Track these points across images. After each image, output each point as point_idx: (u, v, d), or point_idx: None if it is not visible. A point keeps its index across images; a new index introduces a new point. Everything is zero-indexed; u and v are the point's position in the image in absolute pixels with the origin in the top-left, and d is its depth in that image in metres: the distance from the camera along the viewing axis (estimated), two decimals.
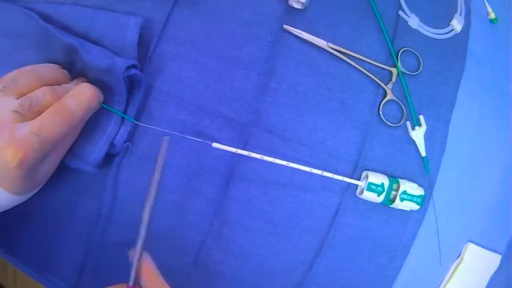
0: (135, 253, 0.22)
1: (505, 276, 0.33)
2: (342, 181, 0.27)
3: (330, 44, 0.27)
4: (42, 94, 0.22)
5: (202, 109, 0.26)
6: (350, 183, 0.27)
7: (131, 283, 0.21)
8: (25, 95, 0.21)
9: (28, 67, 0.23)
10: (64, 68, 0.26)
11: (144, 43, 0.26)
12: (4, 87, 0.21)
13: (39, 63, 0.25)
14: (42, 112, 0.21)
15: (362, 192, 0.27)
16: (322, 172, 0.26)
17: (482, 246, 0.32)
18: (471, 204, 0.32)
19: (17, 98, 0.21)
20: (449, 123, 0.30)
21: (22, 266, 0.29)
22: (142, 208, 0.22)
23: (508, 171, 0.33)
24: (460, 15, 0.32)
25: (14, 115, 0.20)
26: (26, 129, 0.20)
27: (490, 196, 0.33)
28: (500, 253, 0.33)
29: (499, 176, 0.33)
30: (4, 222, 0.27)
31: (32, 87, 0.22)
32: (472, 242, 0.32)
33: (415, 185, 0.28)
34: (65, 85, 0.24)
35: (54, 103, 0.21)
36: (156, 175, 0.22)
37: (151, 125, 0.25)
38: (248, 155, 0.25)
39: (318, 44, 0.27)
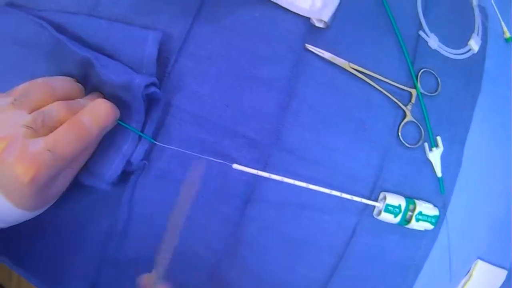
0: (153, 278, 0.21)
1: None
2: (360, 202, 0.27)
3: (351, 64, 0.27)
4: (57, 109, 0.21)
5: (221, 128, 0.26)
6: (367, 204, 0.27)
7: None
8: (37, 109, 0.21)
9: (40, 80, 0.22)
10: (78, 82, 0.25)
11: (162, 59, 0.25)
12: (15, 100, 0.20)
13: (51, 75, 0.24)
14: (55, 128, 0.20)
15: (379, 213, 0.27)
16: (341, 194, 0.26)
17: (490, 262, 0.33)
18: (481, 222, 0.32)
19: (29, 112, 0.20)
20: (464, 144, 0.30)
21: (31, 278, 0.28)
22: (165, 235, 0.21)
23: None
24: (478, 35, 0.32)
25: (26, 130, 0.19)
26: (40, 145, 0.19)
27: (499, 214, 0.33)
28: (506, 268, 0.34)
29: (507, 193, 0.33)
30: (15, 234, 0.27)
31: (45, 101, 0.21)
32: (481, 259, 0.33)
33: (430, 206, 0.29)
34: (80, 100, 0.23)
35: (69, 119, 0.21)
36: (186, 199, 0.22)
37: (170, 144, 0.25)
38: (269, 177, 0.25)
39: (339, 64, 0.27)
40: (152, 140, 0.25)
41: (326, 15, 0.26)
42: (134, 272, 0.26)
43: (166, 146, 0.25)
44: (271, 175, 0.25)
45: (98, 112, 0.22)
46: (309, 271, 0.27)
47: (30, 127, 0.19)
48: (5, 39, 0.25)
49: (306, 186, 0.25)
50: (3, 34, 0.26)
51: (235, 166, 0.25)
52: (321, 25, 0.26)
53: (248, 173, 0.25)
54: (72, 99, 0.23)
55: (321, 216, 0.27)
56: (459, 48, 0.31)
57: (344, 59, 0.27)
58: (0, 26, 0.26)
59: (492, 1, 0.34)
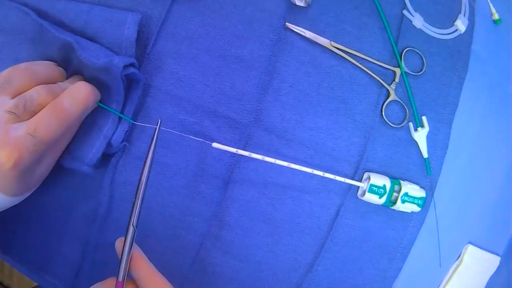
0: (123, 244, 0.21)
1: (504, 277, 0.33)
2: (343, 182, 0.27)
3: (333, 43, 0.26)
4: (37, 93, 0.21)
5: (201, 108, 0.26)
6: (351, 185, 0.27)
7: (120, 279, 0.21)
8: (19, 93, 0.21)
9: (22, 65, 0.22)
10: (59, 66, 0.25)
11: (142, 40, 0.25)
12: None
13: (34, 60, 0.24)
14: (37, 112, 0.20)
15: (363, 193, 0.27)
16: (323, 174, 0.26)
17: (482, 248, 0.32)
18: (471, 205, 0.32)
19: (12, 97, 0.20)
20: (451, 124, 0.29)
21: (18, 265, 0.28)
22: (135, 193, 0.21)
23: (509, 173, 0.33)
24: (464, 15, 0.31)
25: (9, 115, 0.19)
26: (21, 130, 0.19)
27: (490, 198, 0.33)
28: (499, 255, 0.33)
29: (499, 177, 0.33)
30: (0, 222, 0.27)
31: (27, 85, 0.21)
32: (471, 243, 0.32)
33: (416, 187, 0.28)
34: (61, 83, 0.23)
35: (50, 103, 0.21)
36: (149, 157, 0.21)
37: (150, 125, 0.25)
38: (249, 156, 0.25)
39: (321, 43, 0.26)
40: (131, 121, 0.25)
41: None
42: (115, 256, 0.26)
43: (145, 125, 0.25)
44: (251, 153, 0.25)
45: (78, 95, 0.22)
46: (293, 253, 0.27)
47: (13, 112, 0.20)
48: None
49: (288, 165, 0.25)
50: None
51: (215, 144, 0.24)
52: (302, 3, 0.26)
53: (228, 153, 0.25)
54: (54, 83, 0.23)
55: (304, 197, 0.27)
56: (444, 28, 0.30)
57: (326, 38, 0.26)
58: None
59: None
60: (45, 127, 0.20)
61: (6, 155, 0.19)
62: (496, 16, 0.33)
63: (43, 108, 0.21)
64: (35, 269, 0.28)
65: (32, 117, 0.20)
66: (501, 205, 0.33)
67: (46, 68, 0.23)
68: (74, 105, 0.21)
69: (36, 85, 0.21)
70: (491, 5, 0.33)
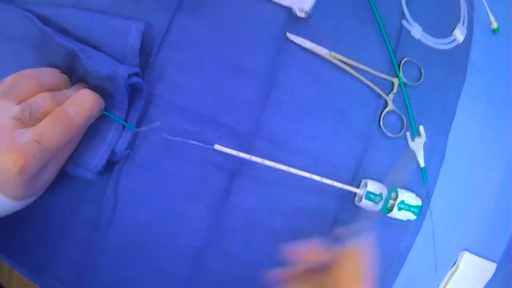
0: None
1: (499, 284, 0.34)
2: (341, 188, 0.27)
3: (333, 53, 0.27)
4: (43, 100, 0.21)
5: (203, 118, 0.26)
6: (349, 191, 0.28)
7: None
8: (24, 100, 0.21)
9: (27, 71, 0.23)
10: (64, 73, 0.25)
11: (145, 49, 0.26)
12: (4, 92, 0.21)
13: (39, 66, 0.25)
14: (42, 119, 0.21)
15: (360, 200, 0.28)
16: (321, 179, 0.26)
17: (478, 255, 0.33)
18: (467, 213, 0.32)
19: (17, 104, 0.21)
20: (448, 134, 0.30)
21: (20, 268, 0.29)
22: None
23: (506, 180, 0.33)
24: (463, 25, 0.31)
25: (14, 121, 0.20)
26: (27, 136, 0.20)
27: (487, 205, 0.33)
28: (495, 262, 0.34)
29: (496, 185, 0.33)
30: (1, 224, 0.27)
31: (32, 92, 0.22)
32: (467, 250, 0.33)
33: (413, 195, 0.29)
34: (65, 90, 0.24)
35: (55, 110, 0.21)
36: None
37: (153, 134, 0.25)
38: (249, 159, 0.25)
39: (320, 53, 0.27)
40: (134, 129, 0.25)
41: (308, 5, 0.26)
42: (121, 259, 0.27)
43: (146, 128, 0.25)
44: (252, 156, 0.25)
45: (82, 103, 0.22)
46: None
47: (19, 118, 0.20)
48: None
49: (287, 169, 0.26)
50: None
51: (217, 146, 0.25)
52: (302, 14, 0.26)
53: (229, 161, 0.26)
54: (58, 90, 0.23)
55: (303, 204, 0.27)
56: (443, 38, 0.31)
57: (325, 48, 0.27)
58: None
59: None
60: (51, 134, 0.20)
61: (13, 160, 0.19)
62: (495, 25, 0.34)
63: (47, 115, 0.21)
64: (37, 272, 0.29)
65: (37, 123, 0.20)
66: (498, 212, 0.34)
67: (51, 75, 0.24)
68: (78, 113, 0.22)
69: (40, 92, 0.22)
70: (490, 13, 0.34)
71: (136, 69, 0.24)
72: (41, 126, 0.20)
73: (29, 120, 0.20)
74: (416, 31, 0.29)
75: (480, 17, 0.33)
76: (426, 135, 0.29)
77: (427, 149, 0.29)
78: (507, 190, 0.33)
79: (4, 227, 0.28)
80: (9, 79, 0.22)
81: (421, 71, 0.29)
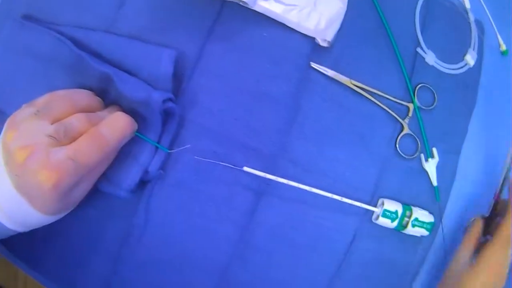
0: None
1: None
2: (359, 207, 0.29)
3: (353, 81, 0.29)
4: (77, 120, 0.22)
5: (232, 141, 0.28)
6: (367, 210, 0.29)
7: None
8: (58, 119, 0.22)
9: (62, 92, 0.23)
10: (97, 95, 0.26)
11: (176, 75, 0.27)
12: (38, 111, 0.21)
13: (70, 87, 0.25)
14: (75, 139, 0.21)
15: (377, 218, 0.29)
16: (341, 198, 0.28)
17: None
18: None
19: (51, 123, 0.21)
20: (459, 154, 0.32)
21: (46, 281, 0.30)
22: None
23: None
24: (474, 49, 0.33)
25: (49, 139, 0.20)
26: (62, 153, 0.20)
27: None
28: None
29: None
30: (30, 238, 0.28)
31: (66, 112, 0.22)
32: None
33: (426, 212, 0.30)
34: (99, 112, 0.24)
35: (89, 130, 0.22)
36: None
37: (184, 156, 0.27)
38: (275, 180, 0.27)
39: (342, 81, 0.29)
40: (167, 150, 0.26)
41: (330, 35, 0.28)
42: (149, 273, 0.28)
43: (178, 149, 0.26)
44: (278, 178, 0.27)
45: (116, 124, 0.23)
46: (312, 273, 0.29)
47: (53, 137, 0.21)
48: (24, 51, 0.27)
49: (309, 190, 0.27)
50: (22, 47, 0.27)
51: (245, 168, 0.27)
52: (325, 44, 0.28)
53: (256, 182, 0.27)
54: (92, 111, 0.24)
55: (324, 222, 0.29)
56: (455, 63, 0.32)
57: (346, 76, 0.29)
58: (19, 39, 0.27)
59: (489, 15, 0.35)
60: (85, 153, 0.21)
61: (47, 176, 0.19)
62: (503, 48, 0.35)
63: (81, 135, 0.22)
64: (63, 285, 0.29)
65: (71, 142, 0.21)
66: None
67: (85, 96, 0.25)
68: (112, 134, 0.22)
69: (75, 113, 0.22)
70: (499, 36, 0.36)
71: (170, 95, 0.26)
72: (76, 144, 0.21)
73: (63, 139, 0.21)
74: (430, 57, 0.31)
75: (489, 40, 0.35)
76: (438, 156, 0.31)
77: (439, 169, 0.31)
78: None
79: (34, 240, 0.28)
80: (43, 99, 0.22)
81: (434, 96, 0.31)
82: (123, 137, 0.23)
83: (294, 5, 0.27)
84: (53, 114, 0.22)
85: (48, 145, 0.20)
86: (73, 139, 0.21)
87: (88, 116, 0.23)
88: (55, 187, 0.20)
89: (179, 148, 0.27)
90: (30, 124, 0.21)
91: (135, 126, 0.25)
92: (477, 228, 0.30)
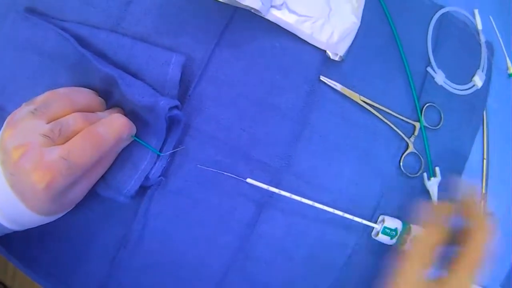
0: None
1: None
2: (360, 223, 0.29)
3: (362, 97, 0.28)
4: (73, 120, 0.21)
5: (237, 151, 0.27)
6: (367, 225, 0.29)
7: None
8: (56, 118, 0.21)
9: (62, 90, 0.23)
10: (100, 96, 0.25)
11: (183, 81, 0.26)
12: (36, 109, 0.21)
13: (73, 86, 0.25)
14: (71, 138, 0.21)
15: (377, 234, 0.29)
16: (343, 214, 0.28)
17: (480, 285, 0.35)
18: None
19: (48, 122, 0.21)
20: (462, 174, 0.32)
21: (41, 281, 0.29)
22: None
23: (507, 214, 0.35)
24: (482, 71, 0.33)
25: (43, 139, 0.20)
26: (55, 153, 0.20)
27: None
28: None
29: (500, 218, 0.35)
30: (26, 237, 0.28)
31: (65, 112, 0.22)
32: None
33: None
34: (99, 113, 0.24)
35: (85, 129, 0.21)
36: None
37: (187, 164, 0.26)
38: (278, 193, 0.27)
39: (350, 96, 0.28)
40: (159, 153, 0.25)
41: (342, 49, 0.27)
42: (146, 277, 0.28)
43: (171, 151, 0.26)
44: (281, 191, 0.27)
45: (114, 124, 0.22)
46: (310, 286, 0.30)
47: (47, 136, 0.20)
48: (26, 46, 0.26)
49: (312, 204, 0.27)
50: (25, 41, 0.26)
51: (249, 180, 0.26)
52: (336, 58, 0.28)
53: (259, 194, 0.27)
54: (92, 112, 0.23)
55: (324, 236, 0.29)
56: (463, 84, 0.32)
57: (355, 92, 0.28)
58: (21, 33, 0.26)
59: (499, 37, 0.35)
60: (79, 152, 0.20)
61: (39, 177, 0.19)
62: (511, 70, 0.35)
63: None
64: (58, 285, 0.29)
65: (66, 142, 0.21)
66: (499, 243, 0.36)
67: (86, 95, 0.24)
68: (108, 133, 0.22)
69: (73, 112, 0.22)
70: (508, 59, 0.36)
71: (177, 102, 0.25)
72: (70, 143, 0.21)
73: (58, 138, 0.21)
74: (440, 77, 0.31)
75: (497, 62, 0.35)
76: (440, 175, 0.31)
77: (440, 188, 0.31)
78: (507, 223, 0.35)
79: (29, 241, 0.28)
80: (42, 97, 0.22)
81: (441, 116, 0.31)
82: (119, 138, 0.23)
83: (308, 16, 0.27)
84: (50, 112, 0.21)
85: (42, 144, 0.20)
86: (69, 139, 0.21)
87: (86, 115, 0.22)
88: (48, 187, 0.20)
89: (172, 150, 0.26)
90: (27, 123, 0.21)
91: (133, 128, 0.24)
92: (435, 232, 0.23)
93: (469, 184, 0.25)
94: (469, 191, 0.25)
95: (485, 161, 0.33)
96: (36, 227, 0.23)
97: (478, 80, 0.33)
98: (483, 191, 0.34)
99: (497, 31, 0.35)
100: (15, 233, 0.23)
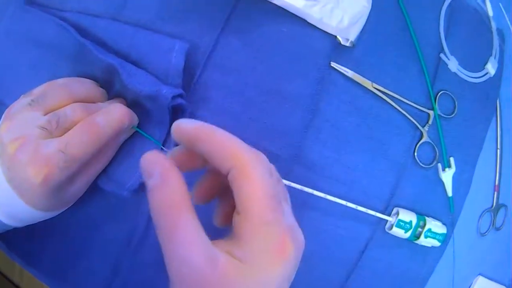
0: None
1: None
2: (373, 216, 0.28)
3: (374, 84, 0.27)
4: (72, 110, 0.21)
5: (245, 141, 0.26)
6: (381, 219, 0.28)
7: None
8: (53, 110, 0.21)
9: (60, 81, 0.22)
10: (101, 87, 0.24)
11: (188, 69, 0.25)
12: (32, 101, 0.20)
13: (73, 76, 0.24)
14: (70, 129, 0.20)
15: (391, 227, 0.28)
16: (356, 207, 0.27)
17: (490, 279, 0.34)
18: (484, 240, 0.33)
19: (45, 114, 0.20)
20: (475, 165, 0.31)
21: (43, 278, 0.28)
22: None
23: None
24: (495, 58, 0.32)
25: (40, 131, 0.19)
26: (52, 146, 0.19)
27: (502, 233, 0.34)
28: (505, 285, 0.35)
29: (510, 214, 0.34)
30: (27, 234, 0.27)
31: (62, 103, 0.21)
32: (482, 275, 0.34)
33: (439, 223, 0.30)
34: (99, 103, 0.23)
35: (83, 120, 0.20)
36: None
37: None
38: (289, 185, 0.26)
39: (363, 83, 0.27)
40: (159, 144, 0.24)
41: (353, 34, 0.26)
42: (151, 274, 0.27)
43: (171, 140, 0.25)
44: (291, 183, 0.25)
45: (112, 114, 0.21)
46: (322, 283, 0.28)
47: (45, 128, 0.19)
48: (26, 39, 0.25)
49: (324, 197, 0.26)
50: (25, 34, 0.25)
51: None
52: (347, 43, 0.26)
53: None
54: (93, 102, 0.23)
55: (337, 230, 0.28)
56: (476, 71, 0.31)
57: (368, 79, 0.27)
58: (21, 25, 0.25)
59: (509, 24, 0.34)
60: (77, 144, 0.20)
61: (35, 170, 0.19)
62: None
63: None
64: (61, 283, 0.28)
65: (64, 134, 0.20)
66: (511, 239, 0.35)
67: (85, 86, 0.23)
68: (107, 123, 0.21)
69: (72, 103, 0.21)
70: None
71: (181, 91, 0.24)
72: (68, 135, 0.20)
73: (56, 130, 0.20)
74: (453, 64, 0.30)
75: (509, 50, 0.34)
76: (455, 166, 0.30)
77: (454, 180, 0.30)
78: None
79: (30, 238, 0.27)
80: (39, 88, 0.21)
81: (455, 104, 0.30)
82: (119, 128, 0.22)
83: (317, 0, 0.26)
84: (47, 104, 0.21)
85: (39, 136, 0.19)
86: (67, 130, 0.20)
87: (85, 106, 0.21)
88: (45, 181, 0.19)
89: (176, 147, 0.25)
90: (23, 115, 0.20)
91: (134, 118, 0.23)
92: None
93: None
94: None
95: (498, 151, 0.33)
96: (37, 223, 0.22)
97: (491, 68, 0.32)
98: (497, 182, 0.33)
99: (507, 18, 0.34)
100: (16, 230, 0.22)
